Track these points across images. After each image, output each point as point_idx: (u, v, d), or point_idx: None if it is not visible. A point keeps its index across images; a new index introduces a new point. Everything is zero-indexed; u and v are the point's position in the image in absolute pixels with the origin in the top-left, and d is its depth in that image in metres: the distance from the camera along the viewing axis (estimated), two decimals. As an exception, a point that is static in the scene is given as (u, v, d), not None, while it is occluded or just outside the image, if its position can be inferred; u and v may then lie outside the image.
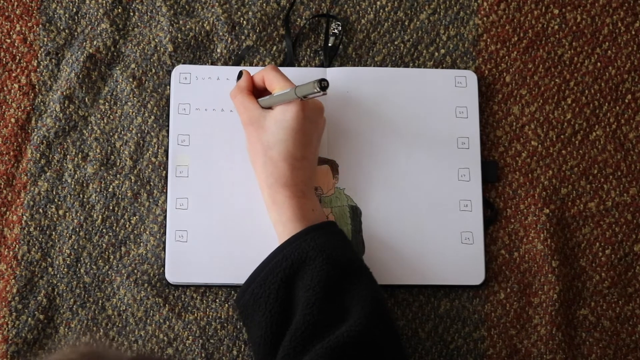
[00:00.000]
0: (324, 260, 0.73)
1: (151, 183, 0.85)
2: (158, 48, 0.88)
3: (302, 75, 0.86)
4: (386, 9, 0.90)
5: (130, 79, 0.87)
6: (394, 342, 0.74)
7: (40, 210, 0.84)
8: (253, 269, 0.81)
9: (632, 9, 0.91)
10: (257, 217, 0.83)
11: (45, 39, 0.88)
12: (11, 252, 0.83)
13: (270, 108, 0.79)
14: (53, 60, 0.87)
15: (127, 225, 0.84)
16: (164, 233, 0.83)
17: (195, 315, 0.83)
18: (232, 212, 0.83)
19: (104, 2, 0.88)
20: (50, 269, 0.83)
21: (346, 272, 0.75)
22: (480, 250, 0.85)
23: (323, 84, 0.72)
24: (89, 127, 0.86)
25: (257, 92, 0.82)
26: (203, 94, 0.86)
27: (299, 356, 0.70)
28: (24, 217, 0.84)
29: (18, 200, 0.84)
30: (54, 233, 0.84)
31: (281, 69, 0.86)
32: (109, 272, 0.83)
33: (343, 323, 0.71)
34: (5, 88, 0.87)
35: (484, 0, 0.91)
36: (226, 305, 0.83)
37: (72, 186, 0.85)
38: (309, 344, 0.71)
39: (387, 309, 0.77)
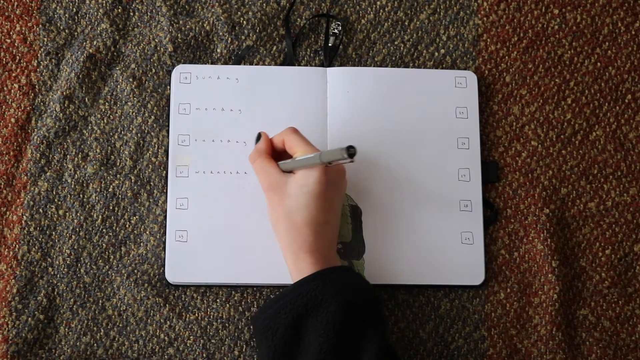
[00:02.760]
0: (339, 305, 0.72)
1: (151, 183, 0.85)
2: (158, 48, 0.88)
3: (302, 74, 0.86)
4: (386, 9, 0.90)
5: (130, 79, 0.87)
6: None
7: (40, 210, 0.84)
8: (253, 269, 0.81)
9: (632, 9, 0.91)
10: (257, 217, 0.83)
11: (45, 39, 0.88)
12: (11, 252, 0.83)
13: (291, 172, 0.77)
14: (53, 60, 0.87)
15: (127, 225, 0.84)
16: (164, 233, 0.83)
17: (196, 315, 0.83)
18: (232, 212, 0.83)
19: (104, 2, 0.88)
20: (50, 269, 0.83)
21: (361, 319, 0.73)
22: (480, 250, 0.85)
23: (351, 151, 0.69)
24: (89, 127, 0.86)
25: (276, 154, 0.80)
26: (203, 94, 0.86)
27: None
28: (24, 217, 0.84)
29: (18, 200, 0.84)
30: (54, 233, 0.84)
31: (281, 68, 0.87)
32: (109, 272, 0.83)
33: None
34: (5, 88, 0.87)
35: (484, 0, 0.91)
36: (227, 305, 0.83)
37: (72, 186, 0.85)
38: None
39: (396, 354, 0.75)
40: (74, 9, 0.89)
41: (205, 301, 0.83)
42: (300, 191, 0.75)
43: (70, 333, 0.82)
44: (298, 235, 0.75)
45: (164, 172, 0.85)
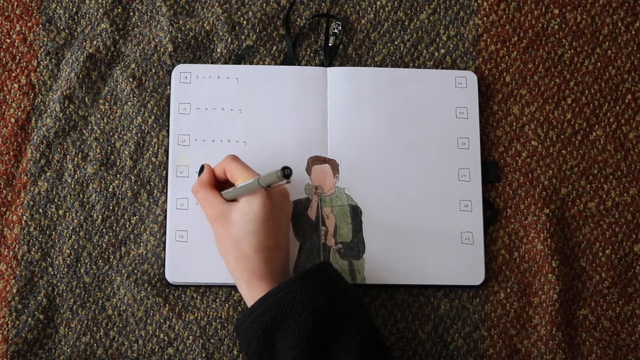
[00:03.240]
0: (309, 315, 0.70)
1: (151, 183, 0.85)
2: (158, 48, 0.88)
3: (302, 74, 0.86)
4: (386, 9, 0.90)
5: (130, 79, 0.87)
6: None
7: (40, 210, 0.84)
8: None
9: (632, 9, 0.91)
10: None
11: (45, 39, 0.88)
12: (11, 252, 0.83)
13: (234, 200, 0.76)
14: (53, 60, 0.87)
15: (127, 225, 0.84)
16: (164, 233, 0.83)
17: (196, 315, 0.83)
18: (232, 212, 0.83)
19: (104, 2, 0.88)
20: (50, 269, 0.83)
21: (334, 324, 0.72)
22: (480, 250, 0.85)
23: (286, 172, 0.70)
24: (89, 127, 0.86)
25: (220, 184, 0.80)
26: (203, 93, 0.86)
27: None
28: (24, 217, 0.84)
29: (18, 200, 0.84)
30: (54, 233, 0.84)
31: (281, 68, 0.87)
32: (109, 272, 0.83)
33: None
34: (5, 88, 0.87)
35: (484, 0, 0.91)
36: (226, 305, 0.83)
37: (72, 186, 0.85)
38: None
39: (383, 350, 0.74)
40: (74, 9, 0.89)
41: (204, 301, 0.83)
42: (245, 218, 0.74)
43: (70, 333, 0.82)
44: (248, 263, 0.74)
45: (164, 172, 0.85)
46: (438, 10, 0.91)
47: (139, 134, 0.86)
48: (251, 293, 0.74)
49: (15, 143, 0.85)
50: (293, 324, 0.71)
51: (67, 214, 0.84)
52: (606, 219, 0.87)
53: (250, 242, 0.74)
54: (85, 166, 0.85)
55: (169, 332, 0.82)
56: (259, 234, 0.74)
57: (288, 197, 0.80)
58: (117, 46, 0.88)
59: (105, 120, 0.86)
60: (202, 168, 0.81)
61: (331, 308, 0.72)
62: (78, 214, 0.84)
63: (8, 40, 0.88)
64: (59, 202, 0.84)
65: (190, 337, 0.82)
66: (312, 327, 0.70)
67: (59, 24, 0.88)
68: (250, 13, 0.89)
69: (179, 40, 0.88)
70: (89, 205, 0.84)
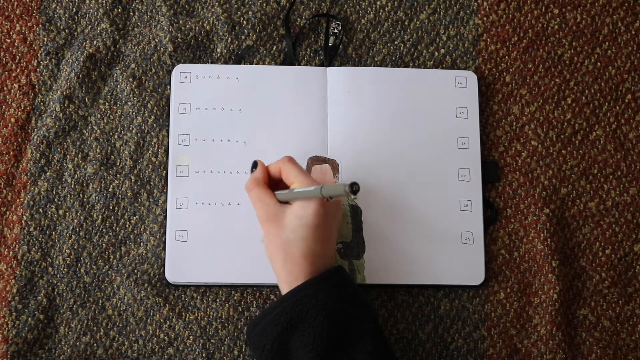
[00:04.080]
0: (324, 318, 0.70)
1: (151, 183, 0.85)
2: (158, 48, 0.88)
3: (303, 74, 0.86)
4: (386, 9, 0.90)
5: (130, 79, 0.87)
6: None
7: (40, 210, 0.84)
8: (253, 269, 0.81)
9: (632, 9, 0.91)
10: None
11: (45, 39, 0.88)
12: (11, 252, 0.83)
13: (287, 202, 0.76)
14: (53, 60, 0.87)
15: (127, 225, 0.84)
16: (164, 233, 0.83)
17: (196, 315, 0.83)
18: (232, 212, 0.83)
19: (104, 2, 0.88)
20: (50, 269, 0.83)
21: (349, 328, 0.72)
22: (480, 250, 0.85)
23: (354, 188, 0.67)
24: (89, 127, 0.86)
25: (272, 182, 0.79)
26: (203, 93, 0.86)
27: None
28: (24, 217, 0.84)
29: (18, 200, 0.84)
30: (54, 233, 0.84)
31: (281, 68, 0.87)
32: (109, 272, 0.83)
33: None
34: (5, 88, 0.87)
35: (484, 0, 0.91)
36: (227, 305, 0.83)
37: (72, 186, 0.84)
38: None
39: (393, 357, 0.74)
40: (74, 9, 0.89)
41: (205, 301, 0.83)
42: (297, 222, 0.73)
43: (70, 333, 0.82)
44: (295, 267, 0.73)
45: (164, 172, 0.85)
46: (438, 10, 0.91)
47: (139, 134, 0.86)
48: None
49: (15, 143, 0.85)
50: (308, 327, 0.70)
51: (67, 214, 0.84)
52: (606, 219, 0.87)
53: (300, 247, 0.73)
54: (85, 166, 0.85)
55: (169, 332, 0.82)
56: (310, 240, 0.73)
57: (341, 206, 0.79)
58: (117, 46, 0.88)
59: (105, 120, 0.86)
60: (255, 164, 0.80)
61: (345, 312, 0.72)
62: (78, 214, 0.84)
63: (8, 40, 0.88)
64: (59, 202, 0.84)
65: (191, 337, 0.82)
66: (328, 331, 0.70)
67: (59, 24, 0.88)
68: (250, 13, 0.89)
69: (179, 40, 0.88)
70: (89, 205, 0.84)
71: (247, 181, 0.79)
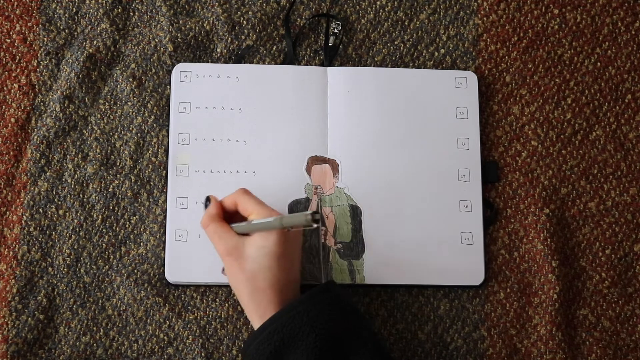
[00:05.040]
0: (316, 336, 0.70)
1: (151, 183, 0.85)
2: (158, 48, 0.88)
3: (303, 74, 0.86)
4: (386, 9, 0.90)
5: (130, 79, 0.87)
6: None
7: (40, 210, 0.84)
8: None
9: (632, 9, 0.91)
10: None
11: (45, 39, 0.88)
12: (11, 252, 0.83)
13: (246, 234, 0.75)
14: (53, 60, 0.87)
15: (127, 225, 0.84)
16: (164, 233, 0.83)
17: (195, 314, 0.83)
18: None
19: (104, 2, 0.88)
20: (50, 269, 0.83)
21: (342, 344, 0.71)
22: (480, 250, 0.85)
23: (315, 217, 0.67)
24: (89, 127, 0.86)
25: (227, 215, 0.78)
26: (203, 92, 0.86)
27: None
28: (24, 217, 0.84)
29: (18, 200, 0.84)
30: (54, 233, 0.84)
31: (282, 67, 0.87)
32: (109, 272, 0.83)
33: None
34: (5, 88, 0.87)
35: (484, 0, 0.91)
36: (226, 304, 0.83)
37: (72, 186, 0.85)
38: None
39: None
40: (74, 9, 0.89)
41: (204, 301, 0.83)
42: (260, 253, 0.73)
43: (70, 333, 0.82)
44: (263, 298, 0.73)
45: (164, 171, 0.85)
46: (438, 10, 0.91)
47: (139, 134, 0.86)
48: None
49: (15, 143, 0.85)
50: (301, 345, 0.70)
51: (67, 214, 0.84)
52: (606, 219, 0.87)
53: (265, 277, 0.73)
54: (85, 166, 0.85)
55: (168, 331, 0.82)
56: (274, 269, 0.73)
57: (302, 232, 0.79)
58: (117, 46, 0.88)
59: (105, 120, 0.86)
60: (207, 199, 0.79)
61: (337, 328, 0.72)
62: (78, 214, 0.84)
63: (8, 40, 0.88)
64: (59, 202, 0.84)
65: (190, 336, 0.82)
66: (320, 348, 0.70)
67: (59, 24, 0.88)
68: (250, 13, 0.89)
69: (179, 40, 0.88)
70: (89, 205, 0.84)
71: (202, 217, 0.77)
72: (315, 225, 0.67)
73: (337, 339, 0.71)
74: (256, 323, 0.73)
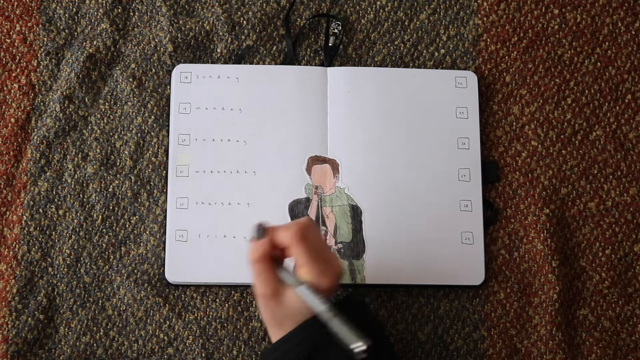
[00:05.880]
0: (340, 349, 0.67)
1: (151, 183, 0.85)
2: (158, 48, 0.88)
3: (303, 74, 0.86)
4: (386, 9, 0.90)
5: (130, 79, 0.87)
6: None
7: (40, 210, 0.84)
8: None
9: (632, 9, 0.91)
10: (258, 217, 0.83)
11: (45, 39, 0.88)
12: (11, 252, 0.83)
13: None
14: (53, 60, 0.87)
15: (127, 225, 0.84)
16: (164, 233, 0.83)
17: (196, 315, 0.83)
18: (232, 211, 0.83)
19: (104, 2, 0.88)
20: (50, 269, 0.83)
21: (373, 352, 0.68)
22: (480, 250, 0.85)
23: (361, 357, 0.64)
24: (89, 127, 0.86)
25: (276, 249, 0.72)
26: (204, 93, 0.86)
27: None
28: (24, 217, 0.84)
29: (18, 200, 0.84)
30: (54, 233, 0.84)
31: (281, 67, 0.87)
32: (109, 272, 0.83)
33: None
34: (5, 88, 0.87)
35: (484, 0, 0.91)
36: (226, 305, 0.83)
37: (72, 186, 0.85)
38: None
39: None
40: (74, 9, 0.89)
41: (204, 301, 0.83)
42: (294, 312, 0.69)
43: (70, 333, 0.82)
44: (288, 329, 0.69)
45: (164, 171, 0.85)
46: (438, 10, 0.91)
47: (139, 134, 0.86)
48: None
49: (15, 143, 0.85)
50: (333, 352, 0.68)
51: (67, 214, 0.84)
52: (606, 219, 0.87)
53: (293, 324, 0.69)
54: (85, 166, 0.85)
55: (168, 332, 0.82)
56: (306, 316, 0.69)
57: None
58: (117, 46, 0.88)
59: (105, 120, 0.86)
60: (260, 229, 0.70)
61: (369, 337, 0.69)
62: (78, 214, 0.84)
63: (8, 40, 0.88)
64: (59, 202, 0.84)
65: (190, 337, 0.82)
66: (349, 356, 0.68)
67: (59, 24, 0.88)
68: (250, 13, 0.89)
69: (179, 40, 0.88)
70: (89, 205, 0.84)
71: (251, 250, 0.70)
72: (357, 352, 0.64)
73: (368, 350, 0.69)
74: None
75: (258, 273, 0.69)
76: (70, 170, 0.85)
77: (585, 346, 0.85)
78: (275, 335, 0.71)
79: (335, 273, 0.69)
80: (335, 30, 0.89)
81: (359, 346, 0.64)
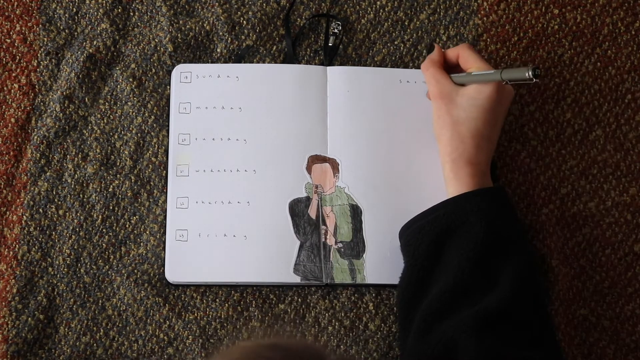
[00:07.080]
0: (483, 227, 0.74)
1: (151, 183, 0.85)
2: (158, 48, 0.88)
3: (303, 73, 0.86)
4: (386, 9, 0.90)
5: (130, 79, 0.87)
6: (542, 318, 0.76)
7: (40, 210, 0.84)
8: (253, 268, 0.81)
9: (632, 9, 0.91)
10: (258, 216, 0.83)
11: (45, 39, 0.88)
12: (11, 252, 0.83)
13: (462, 85, 0.80)
14: (53, 60, 0.87)
15: (127, 225, 0.84)
16: (164, 233, 0.83)
17: (195, 314, 0.83)
18: (232, 211, 0.83)
19: (104, 2, 0.88)
20: (50, 269, 0.83)
21: (504, 242, 0.75)
22: (481, 250, 0.85)
23: (537, 72, 0.74)
24: (89, 127, 0.86)
25: (446, 66, 0.83)
26: (204, 92, 0.86)
27: (444, 314, 0.73)
28: (24, 217, 0.84)
29: (18, 200, 0.84)
30: (54, 233, 0.84)
31: (281, 66, 0.87)
32: (109, 272, 0.83)
33: (492, 292, 0.73)
34: (5, 88, 0.87)
35: (484, 0, 0.91)
36: (226, 304, 0.83)
37: (72, 186, 0.84)
38: (455, 304, 0.73)
39: (539, 285, 0.79)
40: (74, 9, 0.89)
41: (204, 301, 0.83)
42: (470, 103, 0.78)
43: (70, 333, 0.82)
44: (460, 145, 0.78)
45: (164, 171, 0.85)
46: (438, 10, 0.91)
47: (139, 134, 0.86)
48: (454, 173, 0.78)
49: (15, 143, 0.85)
50: (465, 233, 0.74)
51: (67, 214, 0.84)
52: (606, 219, 0.87)
53: (468, 126, 0.78)
54: (85, 166, 0.85)
55: (168, 332, 0.82)
56: (479, 121, 0.78)
57: (512, 97, 0.82)
58: (117, 46, 0.88)
59: (105, 120, 0.86)
60: (431, 46, 0.85)
61: (502, 228, 0.76)
62: (78, 214, 0.84)
63: (8, 40, 0.88)
64: (59, 202, 0.84)
65: (190, 336, 0.82)
66: (483, 239, 0.74)
67: (59, 24, 0.88)
68: (250, 13, 0.89)
69: (179, 40, 0.88)
70: (89, 205, 0.84)
71: (424, 61, 0.83)
72: (534, 81, 0.75)
73: (499, 239, 0.75)
74: (447, 167, 0.79)
75: (432, 76, 0.81)
76: (70, 170, 0.85)
77: (585, 346, 0.84)
78: (444, 145, 0.79)
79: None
80: (335, 30, 0.89)
81: (532, 68, 0.74)
